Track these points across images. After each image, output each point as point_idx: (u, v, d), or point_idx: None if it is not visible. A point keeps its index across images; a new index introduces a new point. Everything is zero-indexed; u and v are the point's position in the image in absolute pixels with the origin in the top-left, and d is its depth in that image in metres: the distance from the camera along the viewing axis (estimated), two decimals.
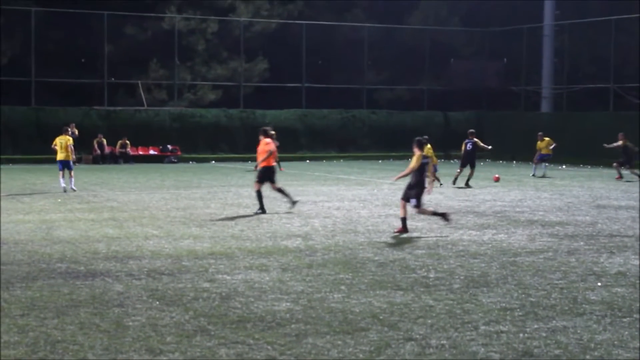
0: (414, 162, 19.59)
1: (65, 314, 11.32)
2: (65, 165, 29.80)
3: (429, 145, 31.94)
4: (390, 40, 62.13)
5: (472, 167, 33.66)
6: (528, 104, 59.09)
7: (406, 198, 19.63)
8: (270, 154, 23.57)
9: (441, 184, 32.24)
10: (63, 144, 30.06)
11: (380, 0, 63.59)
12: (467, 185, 32.86)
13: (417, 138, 20.15)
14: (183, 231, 19.40)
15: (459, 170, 33.95)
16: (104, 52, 51.88)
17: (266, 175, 23.65)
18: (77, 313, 11.36)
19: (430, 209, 20.54)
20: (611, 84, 51.94)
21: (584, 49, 58.54)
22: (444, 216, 19.87)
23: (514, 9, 62.02)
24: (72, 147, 30.35)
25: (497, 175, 36.89)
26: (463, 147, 34.30)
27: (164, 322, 10.93)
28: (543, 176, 38.15)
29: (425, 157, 19.81)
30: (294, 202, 23.73)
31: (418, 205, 19.68)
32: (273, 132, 25.11)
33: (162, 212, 23.18)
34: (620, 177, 37.17)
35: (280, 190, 23.81)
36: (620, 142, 37.97)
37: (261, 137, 23.99)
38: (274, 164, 24.26)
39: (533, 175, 38.50)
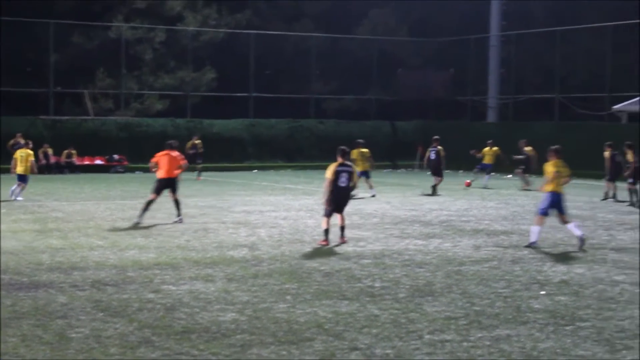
0: (328, 174, 19.60)
1: (8, 325, 11.20)
2: (21, 179, 29.63)
3: (364, 150, 32.40)
4: (339, 50, 62.28)
5: (439, 175, 34.12)
6: (475, 113, 59.47)
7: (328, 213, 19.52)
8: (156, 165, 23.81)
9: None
10: (24, 157, 29.86)
11: (331, 0, 63.73)
12: (434, 191, 33.67)
13: (341, 147, 20.02)
14: (128, 242, 19.28)
15: (439, 179, 34.38)
16: (50, 61, 51.44)
17: (166, 185, 23.73)
18: (19, 325, 11.25)
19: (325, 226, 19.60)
20: (556, 94, 52.45)
21: (529, 59, 59.08)
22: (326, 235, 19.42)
23: (461, 20, 62.50)
24: (33, 161, 30.21)
25: (468, 181, 37.17)
26: (427, 155, 34.86)
27: (107, 334, 10.85)
28: (485, 187, 37.88)
29: (343, 165, 19.57)
30: (179, 217, 23.35)
31: (326, 215, 19.57)
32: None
33: (107, 223, 23.03)
34: (527, 185, 36.98)
35: (177, 202, 23.62)
36: (527, 149, 37.80)
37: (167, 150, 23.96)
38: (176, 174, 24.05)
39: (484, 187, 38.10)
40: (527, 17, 60.40)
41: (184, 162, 24.31)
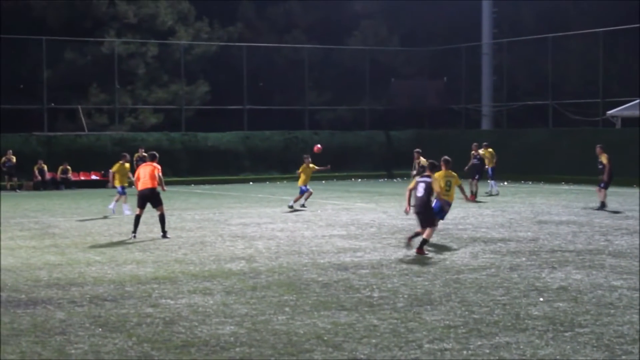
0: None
1: (6, 343, 11.17)
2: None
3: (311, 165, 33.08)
4: (331, 61, 62.38)
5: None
6: (469, 121, 59.56)
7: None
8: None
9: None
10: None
11: (318, 2, 63.80)
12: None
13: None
14: (126, 256, 19.26)
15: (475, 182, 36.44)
16: (43, 77, 51.42)
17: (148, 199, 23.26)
18: (18, 342, 11.22)
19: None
20: (549, 100, 52.55)
21: (522, 66, 59.20)
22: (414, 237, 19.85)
23: (452, 29, 62.61)
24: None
25: (318, 146, 35.52)
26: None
27: (107, 349, 10.83)
28: (493, 194, 37.50)
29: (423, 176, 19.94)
30: (165, 233, 22.96)
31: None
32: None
33: (104, 238, 23.00)
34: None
35: (162, 217, 23.15)
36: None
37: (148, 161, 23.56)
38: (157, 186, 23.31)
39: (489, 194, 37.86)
40: (518, 24, 60.52)
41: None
